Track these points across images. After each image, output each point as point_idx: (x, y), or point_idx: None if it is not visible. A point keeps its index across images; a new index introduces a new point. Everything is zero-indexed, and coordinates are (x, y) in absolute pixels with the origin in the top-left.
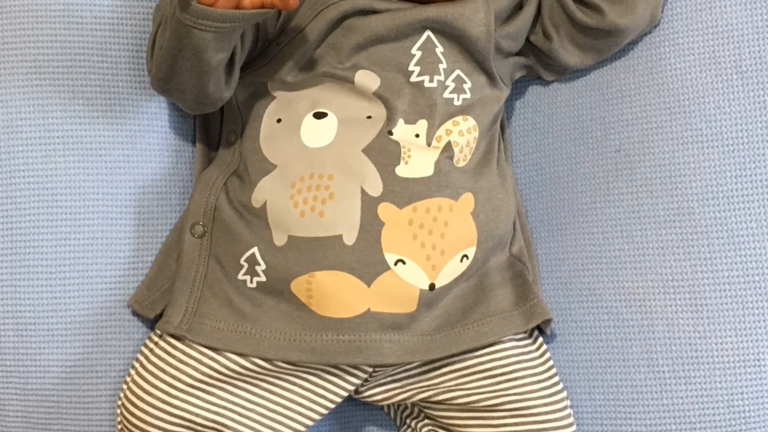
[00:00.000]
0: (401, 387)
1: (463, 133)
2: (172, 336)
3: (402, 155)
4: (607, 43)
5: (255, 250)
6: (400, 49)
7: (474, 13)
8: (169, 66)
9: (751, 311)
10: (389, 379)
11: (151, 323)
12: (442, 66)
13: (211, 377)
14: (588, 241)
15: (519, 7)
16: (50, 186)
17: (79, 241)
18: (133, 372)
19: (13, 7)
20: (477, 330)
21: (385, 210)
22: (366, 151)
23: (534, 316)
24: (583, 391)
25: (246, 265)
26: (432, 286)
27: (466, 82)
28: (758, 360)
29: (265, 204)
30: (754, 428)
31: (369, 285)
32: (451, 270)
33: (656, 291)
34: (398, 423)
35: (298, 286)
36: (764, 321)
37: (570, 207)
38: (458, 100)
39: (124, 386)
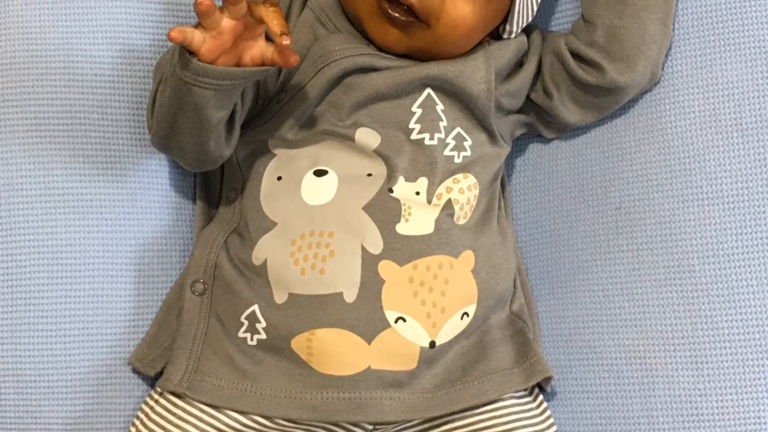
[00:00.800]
0: None
1: (464, 191)
2: (173, 394)
3: (402, 213)
4: (607, 101)
5: (255, 307)
6: (401, 107)
7: (474, 70)
8: (170, 124)
9: (752, 369)
10: None
11: (152, 381)
12: (443, 123)
13: None
14: (588, 299)
15: (519, 65)
16: (51, 243)
17: (79, 299)
18: (133, 429)
19: (14, 65)
20: (477, 387)
21: (385, 268)
22: (366, 208)
23: (534, 373)
24: None
25: (246, 323)
26: (432, 344)
27: (466, 140)
28: (758, 418)
29: (265, 261)
30: None
31: (369, 342)
32: (451, 328)
33: (656, 348)
34: None
35: (298, 343)
36: (764, 379)
37: (570, 264)
38: (459, 157)
39: None
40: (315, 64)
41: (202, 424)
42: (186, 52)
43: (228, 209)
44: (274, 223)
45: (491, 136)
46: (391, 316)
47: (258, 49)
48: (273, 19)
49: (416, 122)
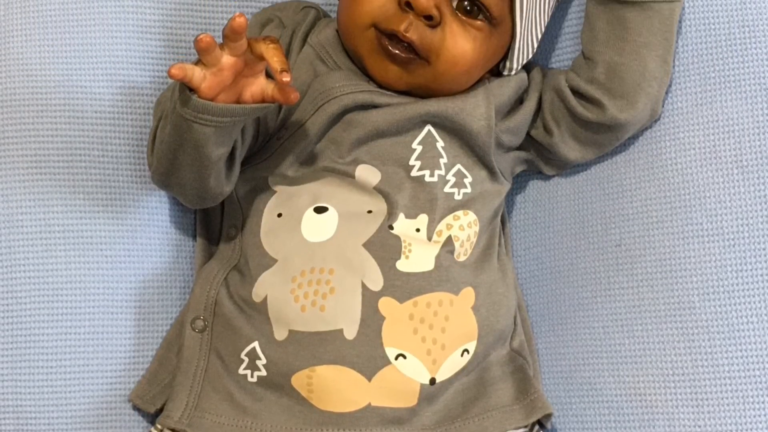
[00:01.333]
0: None
1: (464, 228)
2: (173, 430)
3: (403, 250)
4: (607, 138)
5: (256, 344)
6: (401, 144)
7: (475, 107)
8: (170, 160)
9: (752, 406)
10: None
11: (152, 418)
12: (443, 160)
13: None
14: (588, 336)
15: (519, 102)
16: (51, 280)
17: (79, 336)
18: None
19: (14, 101)
20: (478, 424)
21: (385, 304)
22: (367, 245)
23: (535, 410)
24: None
25: (247, 360)
26: (433, 381)
27: (466, 177)
28: None
29: (265, 298)
30: None
31: (370, 379)
32: (451, 364)
33: (657, 385)
34: None
35: (298, 380)
36: (765, 416)
37: (570, 301)
38: (459, 194)
39: None
40: (315, 101)
41: None
42: (186, 88)
43: (228, 246)
44: (275, 260)
45: (491, 172)
46: (391, 352)
47: (258, 85)
48: (273, 56)
49: (416, 159)
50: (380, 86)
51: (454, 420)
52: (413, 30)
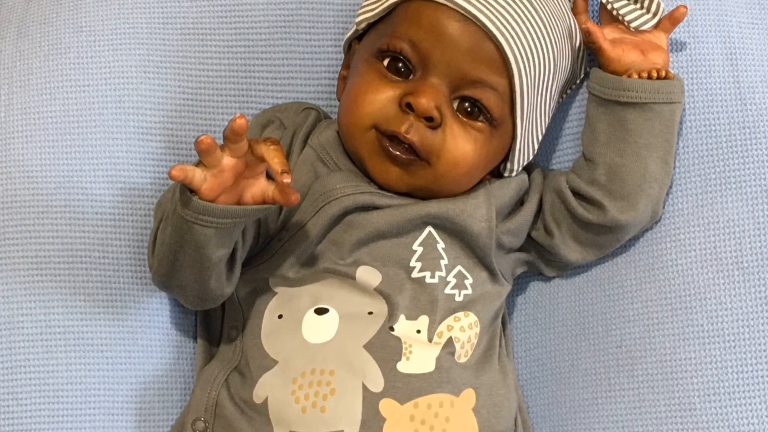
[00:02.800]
0: None
1: (465, 329)
2: None
3: (403, 351)
4: (608, 239)
5: None
6: (402, 245)
7: (475, 209)
8: (171, 262)
9: None
10: None
11: None
12: (444, 262)
13: None
14: None
15: (520, 203)
16: (51, 382)
17: None
18: None
19: (15, 203)
20: None
21: (386, 406)
22: (367, 346)
23: None
24: None
25: None
26: None
27: (467, 278)
28: None
29: (266, 400)
30: None
31: None
32: None
33: None
34: None
35: None
36: None
37: (571, 403)
38: (459, 296)
39: None
40: (316, 203)
41: None
42: (187, 190)
43: (229, 347)
44: (275, 362)
45: (492, 274)
46: None
47: (259, 187)
48: (274, 158)
49: (417, 260)
50: (381, 187)
51: None
52: (414, 131)
